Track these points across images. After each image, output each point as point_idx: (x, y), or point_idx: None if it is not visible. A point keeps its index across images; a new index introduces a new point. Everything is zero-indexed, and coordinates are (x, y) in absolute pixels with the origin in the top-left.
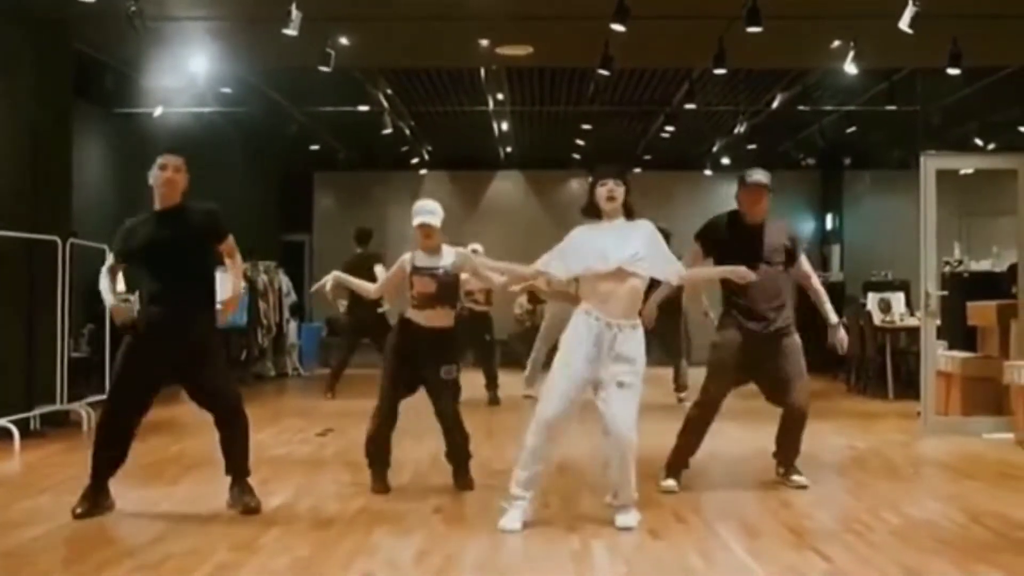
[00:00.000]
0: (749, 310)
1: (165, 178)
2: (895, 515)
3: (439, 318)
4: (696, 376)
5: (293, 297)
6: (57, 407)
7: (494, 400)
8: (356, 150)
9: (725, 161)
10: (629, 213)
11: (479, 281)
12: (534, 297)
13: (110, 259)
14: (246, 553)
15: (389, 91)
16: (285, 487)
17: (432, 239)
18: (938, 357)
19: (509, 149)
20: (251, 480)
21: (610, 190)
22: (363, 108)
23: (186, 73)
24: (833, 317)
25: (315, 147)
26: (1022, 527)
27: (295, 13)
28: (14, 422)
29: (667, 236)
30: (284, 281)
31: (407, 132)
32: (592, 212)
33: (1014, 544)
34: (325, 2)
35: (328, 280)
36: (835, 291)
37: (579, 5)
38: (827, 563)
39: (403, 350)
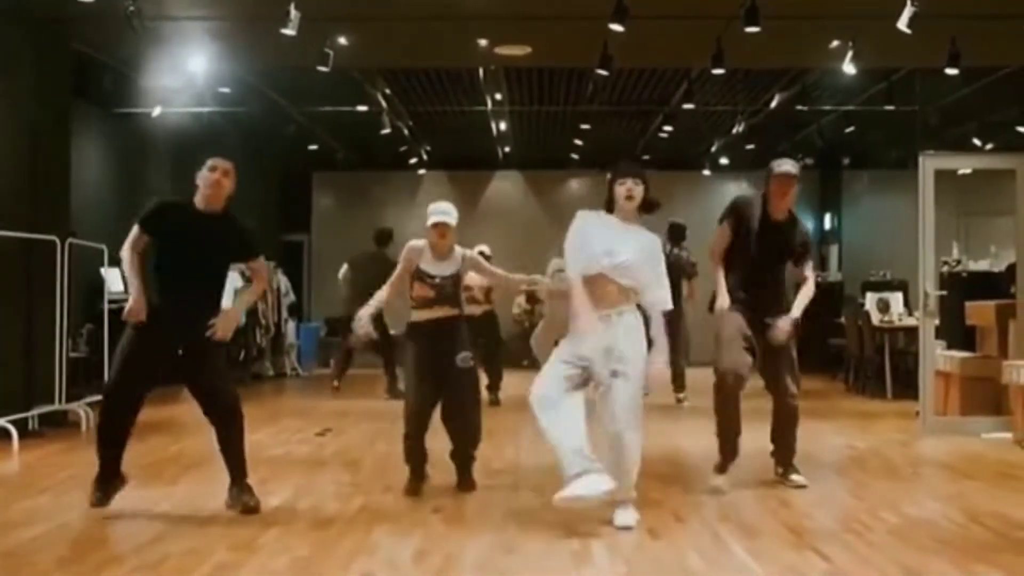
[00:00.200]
0: (752, 303)
1: (214, 179)
2: (894, 515)
3: (441, 311)
4: (694, 376)
5: (292, 297)
6: (56, 407)
7: (495, 401)
8: (355, 150)
9: (724, 161)
10: (651, 207)
11: (482, 278)
12: (532, 297)
13: (135, 231)
14: (245, 553)
15: (388, 91)
16: (284, 487)
17: (446, 239)
18: (937, 357)
19: (508, 149)
20: (250, 480)
21: (629, 189)
22: (362, 108)
23: (185, 73)
24: (795, 312)
25: (314, 147)
26: (1021, 527)
27: (294, 13)
28: (12, 422)
29: (682, 230)
30: (283, 281)
31: (406, 132)
32: (610, 209)
33: (1013, 544)
34: (324, 2)
35: (366, 315)
36: (833, 291)
37: (578, 5)
38: (826, 563)
39: (419, 348)
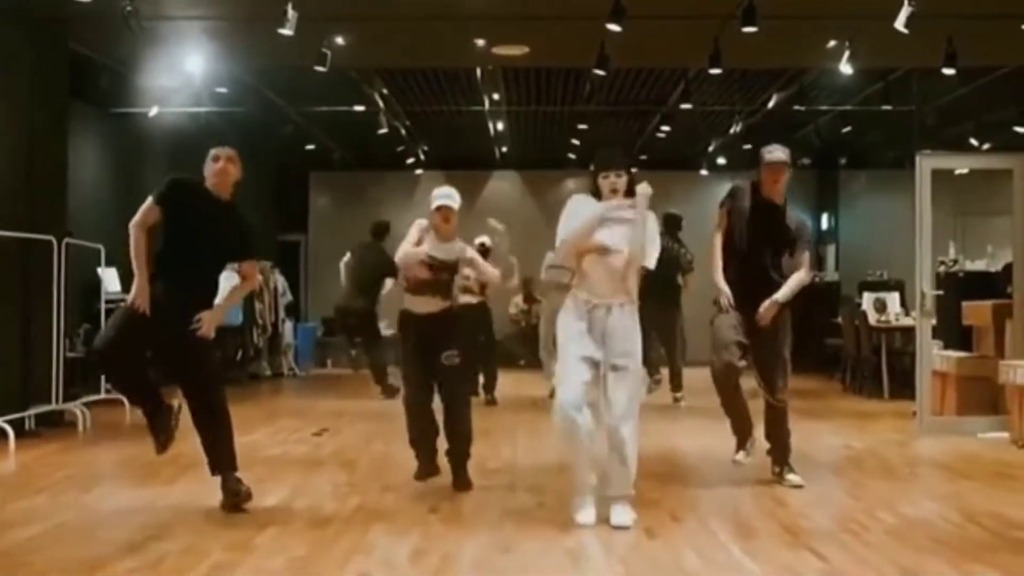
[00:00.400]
0: (742, 284)
1: (218, 168)
2: (891, 515)
3: (433, 304)
4: (691, 376)
5: (289, 297)
6: (52, 407)
7: (491, 401)
8: (352, 150)
9: (721, 161)
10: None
11: (474, 272)
12: (530, 297)
13: (148, 204)
14: (242, 552)
15: (385, 91)
16: (281, 487)
17: (450, 222)
18: (933, 357)
19: (505, 149)
20: (246, 479)
21: (612, 183)
22: (359, 108)
23: (182, 73)
24: (781, 296)
25: (311, 147)
26: (1018, 526)
27: (291, 13)
28: (9, 422)
29: (678, 221)
30: (280, 281)
31: (403, 132)
32: (597, 197)
33: (1010, 543)
34: (321, 2)
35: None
36: (831, 291)
37: (575, 5)
38: (823, 563)
39: (411, 340)
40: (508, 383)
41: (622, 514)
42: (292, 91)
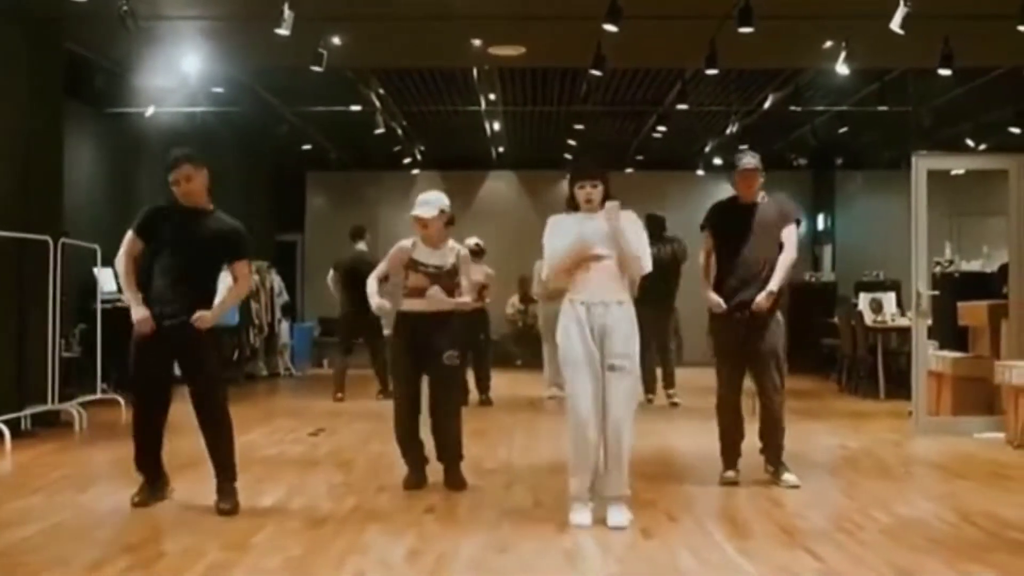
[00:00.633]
0: (734, 284)
1: (180, 192)
2: (887, 514)
3: (432, 305)
4: (687, 376)
5: (285, 297)
6: (48, 407)
7: (486, 401)
8: (348, 150)
9: (717, 161)
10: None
11: (475, 275)
12: (526, 297)
13: (130, 237)
14: (239, 552)
15: (381, 91)
16: (277, 487)
17: (428, 229)
18: (929, 357)
19: (501, 149)
20: (243, 479)
21: (587, 194)
22: (355, 108)
23: (178, 73)
24: (773, 285)
25: (307, 147)
26: (1013, 526)
27: (287, 13)
28: (5, 422)
29: (661, 222)
30: (276, 281)
31: (399, 132)
32: (573, 207)
33: (1006, 543)
34: (317, 2)
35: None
36: (827, 291)
37: (571, 5)
38: (819, 562)
39: (405, 339)
40: (504, 383)
41: (619, 514)
42: (288, 91)
